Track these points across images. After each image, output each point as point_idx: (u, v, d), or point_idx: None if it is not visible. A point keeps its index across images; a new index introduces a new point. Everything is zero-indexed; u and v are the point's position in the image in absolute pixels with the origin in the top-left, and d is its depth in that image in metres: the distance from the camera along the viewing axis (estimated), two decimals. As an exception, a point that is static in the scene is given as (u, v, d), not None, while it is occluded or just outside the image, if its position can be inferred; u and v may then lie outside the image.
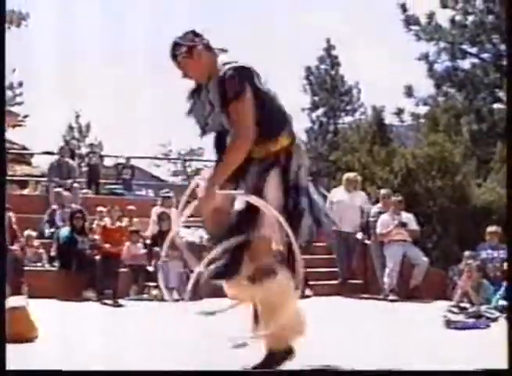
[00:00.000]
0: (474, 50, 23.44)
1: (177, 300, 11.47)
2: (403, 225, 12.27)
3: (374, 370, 4.15)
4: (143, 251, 12.48)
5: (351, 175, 13.26)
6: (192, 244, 13.62)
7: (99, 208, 13.19)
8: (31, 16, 27.67)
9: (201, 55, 4.67)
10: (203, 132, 4.79)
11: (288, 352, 4.81)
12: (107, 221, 12.54)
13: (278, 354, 4.78)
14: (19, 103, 31.15)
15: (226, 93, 4.53)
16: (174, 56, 4.68)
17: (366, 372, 4.13)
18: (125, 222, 13.30)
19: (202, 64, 4.68)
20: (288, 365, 4.72)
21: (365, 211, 12.92)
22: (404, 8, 23.25)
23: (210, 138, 4.86)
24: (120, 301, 10.99)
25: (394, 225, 12.26)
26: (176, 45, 4.68)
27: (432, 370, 4.08)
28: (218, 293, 5.03)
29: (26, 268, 11.36)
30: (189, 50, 4.65)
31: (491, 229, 11.73)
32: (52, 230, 12.91)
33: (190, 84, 4.79)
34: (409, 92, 23.76)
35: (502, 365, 3.76)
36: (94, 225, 12.58)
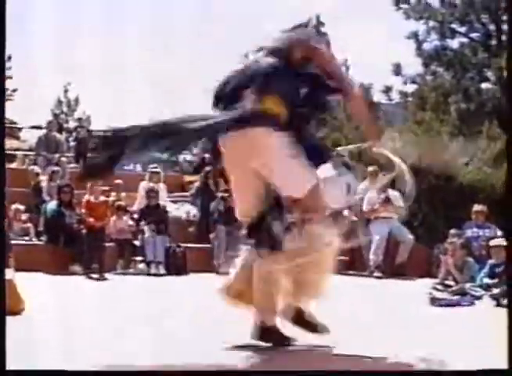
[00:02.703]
0: (463, 29, 23.45)
1: (163, 274, 11.57)
2: (388, 200, 12.28)
3: (373, 371, 4.16)
4: (130, 225, 12.47)
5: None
6: (179, 218, 13.70)
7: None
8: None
9: None
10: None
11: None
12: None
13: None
14: (8, 77, 30.96)
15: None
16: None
17: (364, 372, 4.14)
18: (113, 196, 13.29)
19: None
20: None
21: (351, 188, 12.90)
22: (394, -14, 23.20)
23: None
24: (107, 275, 11.01)
25: (380, 203, 12.29)
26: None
27: (432, 370, 4.10)
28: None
29: (13, 241, 11.34)
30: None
31: (477, 207, 11.79)
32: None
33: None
34: (397, 70, 23.75)
35: (502, 365, 3.77)
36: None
